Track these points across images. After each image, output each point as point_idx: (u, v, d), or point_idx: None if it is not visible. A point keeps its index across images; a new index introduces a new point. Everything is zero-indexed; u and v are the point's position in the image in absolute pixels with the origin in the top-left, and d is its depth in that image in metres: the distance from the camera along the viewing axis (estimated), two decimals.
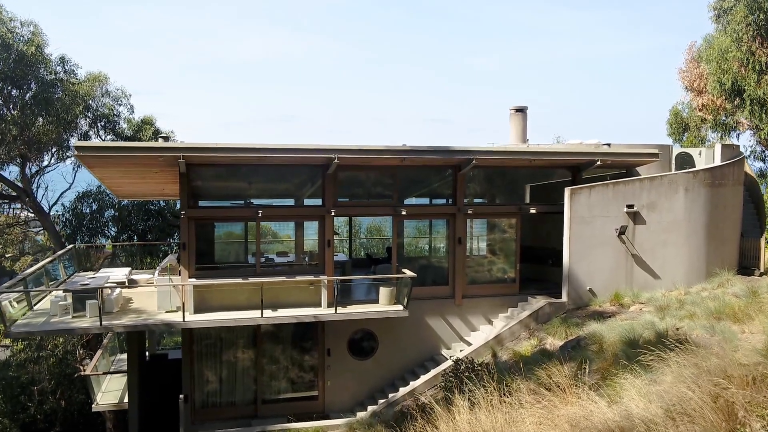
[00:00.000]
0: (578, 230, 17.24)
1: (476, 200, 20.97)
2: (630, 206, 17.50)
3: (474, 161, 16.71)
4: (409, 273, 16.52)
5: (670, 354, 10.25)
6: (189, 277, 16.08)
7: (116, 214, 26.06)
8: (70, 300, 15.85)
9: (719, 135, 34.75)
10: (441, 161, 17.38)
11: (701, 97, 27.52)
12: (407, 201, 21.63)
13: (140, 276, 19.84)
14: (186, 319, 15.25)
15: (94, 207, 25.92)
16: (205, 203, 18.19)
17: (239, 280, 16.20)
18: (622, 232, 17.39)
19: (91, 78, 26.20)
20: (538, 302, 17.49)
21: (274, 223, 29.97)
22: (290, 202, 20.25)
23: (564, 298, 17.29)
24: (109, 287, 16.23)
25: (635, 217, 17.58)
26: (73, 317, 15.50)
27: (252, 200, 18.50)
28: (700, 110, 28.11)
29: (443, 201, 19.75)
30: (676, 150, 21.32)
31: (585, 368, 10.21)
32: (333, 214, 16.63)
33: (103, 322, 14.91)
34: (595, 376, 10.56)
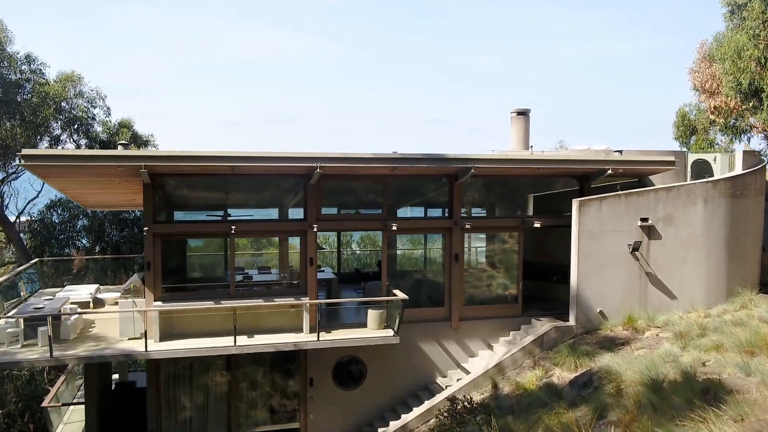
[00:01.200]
0: (587, 246, 15.59)
1: (474, 209, 19.36)
2: (644, 219, 15.86)
3: (472, 170, 15.07)
4: (400, 295, 14.87)
5: (705, 404, 8.62)
6: (154, 300, 14.43)
7: (89, 224, 24.33)
8: (22, 326, 14.18)
9: (729, 138, 33.16)
10: (436, 170, 15.74)
11: (713, 98, 25.88)
12: (400, 210, 20.05)
13: (108, 294, 18.15)
14: (149, 349, 13.57)
15: (66, 216, 24.20)
16: (177, 215, 16.64)
17: (210, 304, 14.55)
18: (635, 248, 15.75)
19: (62, 78, 24.50)
20: (543, 326, 15.83)
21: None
22: (274, 211, 18.62)
23: (572, 322, 15.65)
24: (65, 314, 14.51)
25: (650, 231, 15.94)
26: (22, 346, 13.82)
27: (229, 211, 16.92)
28: (712, 113, 26.47)
29: (439, 211, 18.13)
30: (692, 157, 19.66)
31: (604, 424, 8.58)
32: (315, 229, 14.96)
33: (55, 353, 13.22)
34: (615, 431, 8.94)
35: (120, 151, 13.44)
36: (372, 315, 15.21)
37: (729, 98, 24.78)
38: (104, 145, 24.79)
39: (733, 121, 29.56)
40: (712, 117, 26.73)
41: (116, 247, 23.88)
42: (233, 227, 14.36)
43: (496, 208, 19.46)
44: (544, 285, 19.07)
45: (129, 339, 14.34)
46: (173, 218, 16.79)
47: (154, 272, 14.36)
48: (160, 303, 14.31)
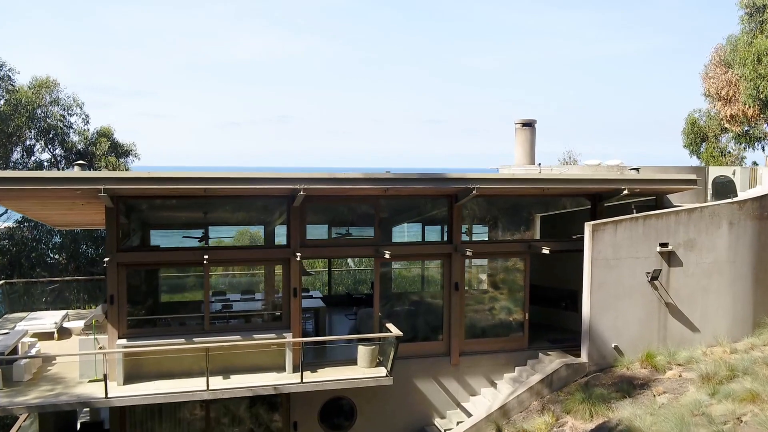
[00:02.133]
0: (601, 275, 14.07)
1: (476, 227, 17.81)
2: (664, 245, 14.35)
3: (474, 191, 13.55)
4: (394, 331, 13.36)
5: None
6: (118, 338, 12.89)
7: (61, 241, 22.75)
8: None
9: (742, 147, 31.71)
10: (433, 191, 14.24)
11: (730, 106, 24.36)
12: (396, 228, 18.54)
13: (76, 323, 16.62)
14: (109, 395, 12.04)
15: (37, 233, 22.58)
16: (147, 237, 15.15)
17: (182, 341, 13.01)
18: (654, 276, 14.23)
19: (36, 84, 22.97)
20: (552, 362, 14.32)
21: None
22: (259, 228, 17.14)
23: (584, 358, 14.13)
24: (10, 358, 12.95)
25: (670, 258, 14.43)
26: None
27: (210, 228, 15.44)
28: (728, 121, 24.94)
29: (436, 230, 16.62)
30: (713, 171, 18.15)
31: None
32: (299, 257, 13.41)
33: (2, 400, 11.69)
34: None
35: (76, 172, 11.90)
36: (363, 352, 13.69)
37: (746, 106, 23.32)
38: (81, 155, 23.28)
39: (746, 128, 28.11)
40: (728, 126, 25.19)
41: (92, 265, 22.34)
42: (206, 256, 12.82)
43: (499, 225, 17.90)
44: (551, 312, 17.57)
45: (90, 381, 12.81)
46: (144, 241, 15.32)
47: (119, 306, 12.83)
48: (124, 341, 12.78)
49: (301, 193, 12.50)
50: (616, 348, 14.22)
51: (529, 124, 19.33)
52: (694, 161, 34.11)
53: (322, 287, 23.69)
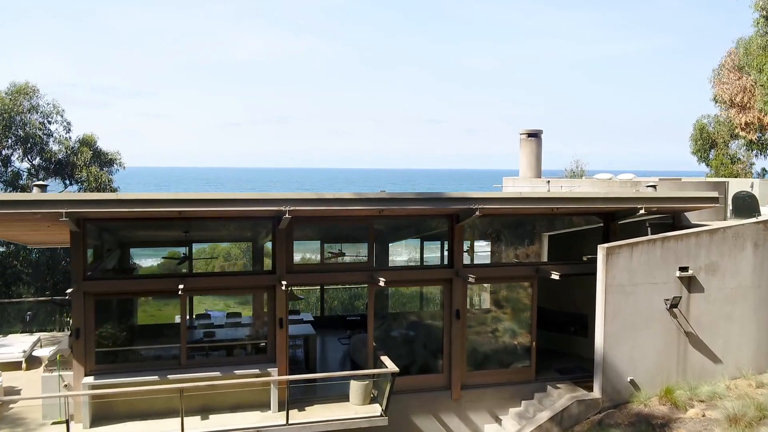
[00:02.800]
0: (616, 303, 12.89)
1: (477, 244, 16.63)
2: (683, 269, 13.17)
3: (477, 212, 12.37)
4: (390, 366, 12.15)
5: None
6: (85, 375, 11.69)
7: (38, 258, 21.51)
8: None
9: (753, 153, 30.58)
10: (432, 211, 13.04)
11: (745, 113, 23.19)
12: (392, 243, 17.43)
13: (47, 351, 15.39)
14: None
15: (13, 248, 21.36)
16: (124, 258, 13.97)
17: (155, 378, 11.80)
18: (674, 304, 13.05)
19: (14, 90, 21.76)
20: (562, 397, 13.14)
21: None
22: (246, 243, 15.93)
23: (596, 393, 12.94)
24: None
25: (690, 283, 13.25)
26: None
27: (192, 248, 14.29)
28: (742, 129, 23.77)
29: (436, 245, 15.46)
30: (733, 183, 16.97)
31: None
32: (284, 285, 12.20)
33: None
34: None
35: (35, 195, 10.70)
36: (356, 387, 12.49)
37: (762, 113, 22.16)
38: (61, 165, 22.09)
39: (758, 135, 26.98)
40: (743, 134, 24.02)
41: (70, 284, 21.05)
42: (181, 285, 11.60)
43: (502, 240, 16.71)
44: (559, 338, 16.38)
45: (53, 423, 11.63)
46: (121, 262, 14.15)
47: (86, 341, 11.63)
48: (91, 379, 11.58)
49: (287, 215, 11.31)
50: (632, 382, 13.03)
51: (534, 135, 18.08)
52: (703, 168, 33.02)
53: (316, 302, 22.48)
